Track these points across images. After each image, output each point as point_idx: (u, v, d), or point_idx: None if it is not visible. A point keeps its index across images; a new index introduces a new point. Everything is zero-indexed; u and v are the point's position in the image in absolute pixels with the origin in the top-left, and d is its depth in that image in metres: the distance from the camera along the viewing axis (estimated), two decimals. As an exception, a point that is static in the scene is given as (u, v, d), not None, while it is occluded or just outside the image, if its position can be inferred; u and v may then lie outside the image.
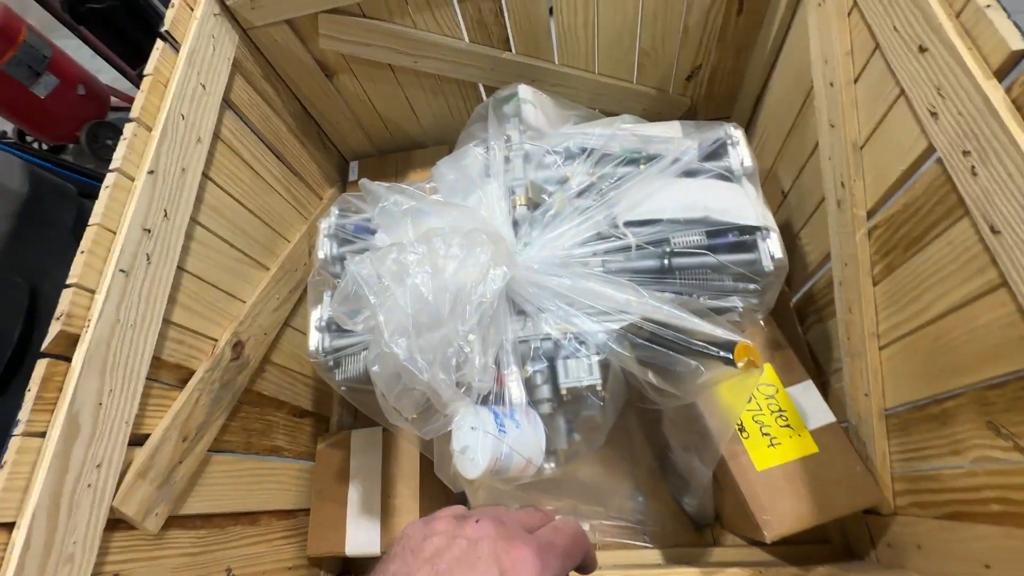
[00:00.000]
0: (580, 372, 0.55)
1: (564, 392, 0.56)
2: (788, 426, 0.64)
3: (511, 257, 0.56)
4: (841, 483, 0.61)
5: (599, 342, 0.55)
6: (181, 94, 0.67)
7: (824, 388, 0.76)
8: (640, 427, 0.89)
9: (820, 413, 0.65)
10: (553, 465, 0.57)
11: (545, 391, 0.57)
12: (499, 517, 0.26)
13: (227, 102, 0.77)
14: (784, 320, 0.85)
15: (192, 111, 0.68)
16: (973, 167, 0.45)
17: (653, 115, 1.04)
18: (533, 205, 0.65)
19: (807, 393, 0.67)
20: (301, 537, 0.82)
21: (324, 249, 0.73)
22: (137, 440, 0.56)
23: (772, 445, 0.63)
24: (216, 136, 0.74)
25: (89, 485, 0.49)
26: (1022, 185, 0.41)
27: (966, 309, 0.50)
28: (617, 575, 0.74)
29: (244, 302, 0.77)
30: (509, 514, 0.27)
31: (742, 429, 0.64)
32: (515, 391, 0.54)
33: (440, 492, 0.82)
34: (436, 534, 0.25)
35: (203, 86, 0.71)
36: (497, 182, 0.66)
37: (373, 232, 0.72)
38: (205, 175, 0.71)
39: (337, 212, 0.76)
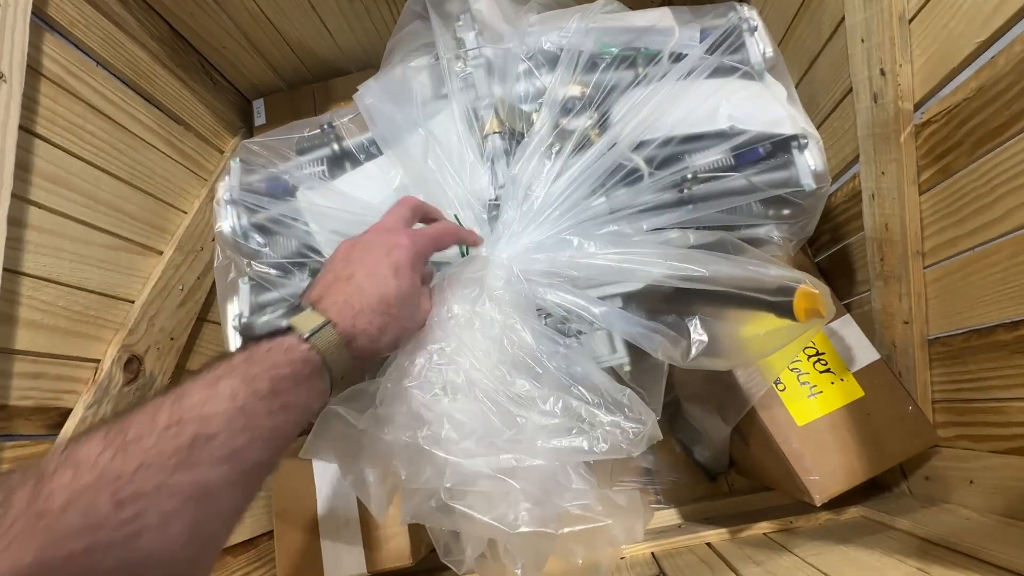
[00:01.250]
0: (603, 349, 0.42)
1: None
2: (829, 371, 0.55)
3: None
4: (892, 428, 0.54)
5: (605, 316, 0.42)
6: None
7: (848, 316, 0.67)
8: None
9: (863, 351, 0.57)
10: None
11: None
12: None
13: (41, 18, 0.53)
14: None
15: (-23, 33, 0.45)
16: (1118, 21, 0.33)
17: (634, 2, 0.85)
18: (504, 130, 0.49)
19: (847, 329, 0.57)
20: (271, 565, 0.69)
21: (227, 220, 0.54)
22: None
23: (812, 395, 0.55)
24: (36, 71, 0.51)
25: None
26: None
27: (1068, 216, 0.40)
28: (642, 548, 0.67)
29: (132, 302, 0.58)
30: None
31: (777, 382, 0.55)
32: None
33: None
34: (354, 242, 0.37)
35: (-11, -7, 0.47)
36: (454, 106, 0.49)
37: (292, 190, 0.54)
38: (27, 130, 0.49)
39: (239, 167, 0.57)
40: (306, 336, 0.31)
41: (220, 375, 0.27)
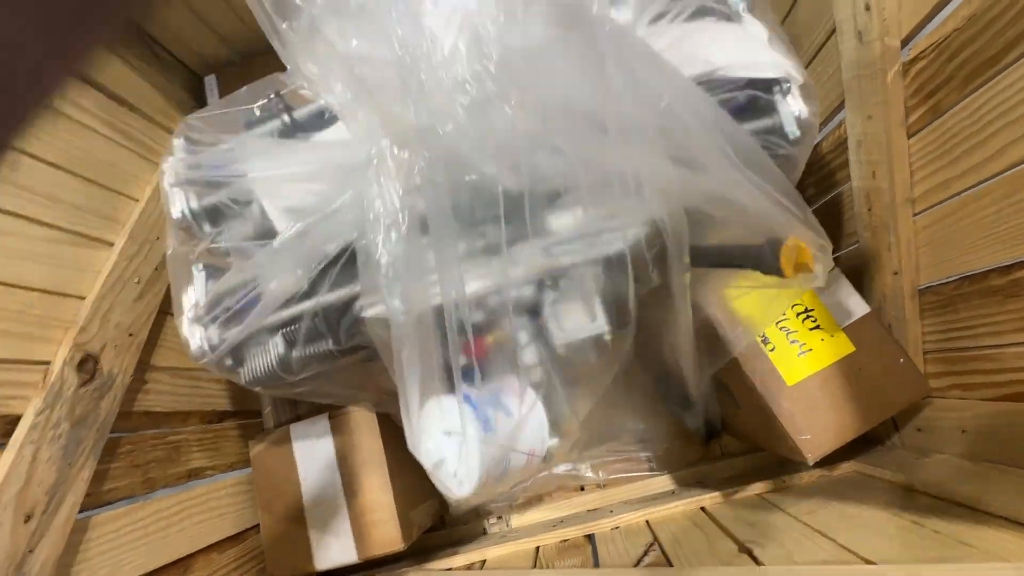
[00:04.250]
0: (579, 320, 0.40)
1: (560, 349, 0.41)
2: (818, 327, 0.54)
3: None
4: (884, 381, 0.53)
5: (596, 273, 0.40)
6: None
7: (836, 271, 0.65)
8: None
9: (852, 305, 0.55)
10: (558, 440, 0.43)
11: (532, 354, 0.41)
12: None
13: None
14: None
15: None
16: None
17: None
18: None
19: (836, 284, 0.56)
20: (260, 559, 0.67)
21: (178, 205, 0.50)
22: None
23: (802, 353, 0.53)
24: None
25: None
26: None
27: (1066, 148, 0.38)
28: (634, 517, 0.66)
29: (82, 298, 0.54)
30: None
31: (766, 341, 0.53)
32: (497, 362, 0.38)
33: (418, 471, 0.69)
34: None
35: None
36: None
37: (242, 169, 0.50)
38: (-63, 117, 0.44)
39: (184, 145, 0.53)
40: None
41: None
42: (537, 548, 0.67)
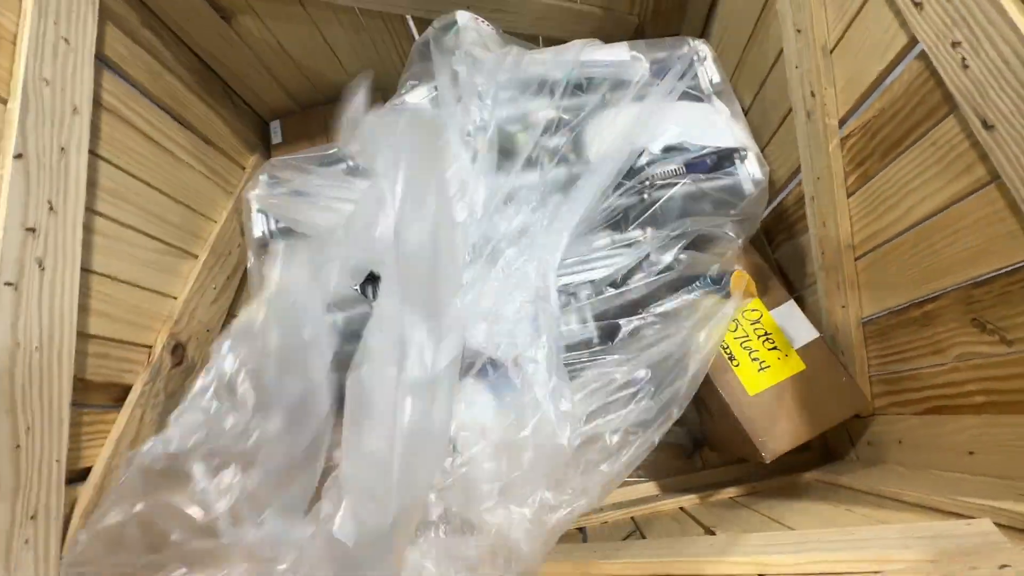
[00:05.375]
0: (573, 328, 0.51)
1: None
2: (775, 348, 0.64)
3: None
4: (829, 395, 0.63)
5: (586, 296, 0.52)
6: (38, 53, 0.53)
7: (800, 303, 0.76)
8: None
9: (804, 331, 0.66)
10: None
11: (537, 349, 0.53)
12: None
13: (102, 59, 0.63)
14: (753, 240, 0.84)
15: (58, 74, 0.54)
16: (964, 59, 0.43)
17: (600, 37, 0.96)
18: (495, 148, 0.58)
19: (790, 313, 0.67)
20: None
21: (259, 226, 0.64)
22: (78, 476, 0.48)
23: (762, 369, 0.64)
24: (98, 103, 0.61)
25: (27, 541, 0.42)
26: (1020, 73, 0.39)
27: (949, 211, 0.50)
28: (621, 514, 0.75)
29: (176, 299, 0.67)
30: None
31: (732, 357, 0.64)
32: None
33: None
34: None
35: (65, 40, 0.56)
36: (451, 128, 0.58)
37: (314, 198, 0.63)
38: (94, 153, 0.58)
39: (266, 180, 0.66)
40: None
41: None
42: (534, 538, 0.76)
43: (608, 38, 0.95)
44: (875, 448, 0.68)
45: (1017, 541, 0.36)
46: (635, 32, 0.97)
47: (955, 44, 0.43)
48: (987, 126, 0.42)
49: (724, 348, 0.65)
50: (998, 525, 0.38)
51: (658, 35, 0.88)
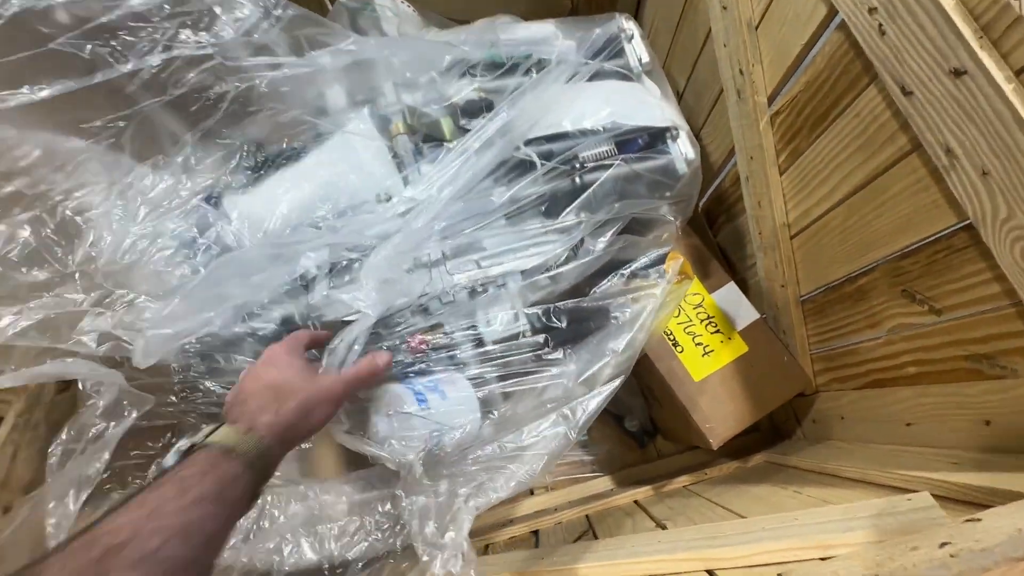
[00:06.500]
0: (504, 321, 0.48)
1: (491, 345, 0.49)
2: (718, 331, 0.63)
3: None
4: (772, 376, 0.62)
5: (516, 286, 0.48)
6: None
7: (742, 285, 0.76)
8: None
9: (745, 312, 0.65)
10: (494, 415, 0.51)
11: (468, 350, 0.49)
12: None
13: None
14: (694, 224, 0.84)
15: None
16: (880, 24, 0.42)
17: (532, 18, 0.93)
18: (412, 132, 0.54)
19: (731, 295, 0.66)
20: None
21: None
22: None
23: (706, 354, 0.62)
24: None
25: None
26: (935, 36, 0.38)
27: (875, 183, 0.49)
28: (575, 513, 0.73)
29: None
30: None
31: (676, 344, 0.62)
32: (438, 358, 0.46)
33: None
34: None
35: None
36: (366, 111, 0.54)
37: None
38: None
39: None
40: (202, 441, 0.35)
41: (135, 494, 0.30)
42: (487, 546, 0.72)
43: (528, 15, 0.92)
44: (820, 425, 0.69)
45: (954, 513, 0.35)
46: (568, 14, 0.94)
47: (872, 10, 0.42)
48: (906, 92, 0.41)
49: (668, 335, 0.63)
50: (936, 496, 0.38)
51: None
